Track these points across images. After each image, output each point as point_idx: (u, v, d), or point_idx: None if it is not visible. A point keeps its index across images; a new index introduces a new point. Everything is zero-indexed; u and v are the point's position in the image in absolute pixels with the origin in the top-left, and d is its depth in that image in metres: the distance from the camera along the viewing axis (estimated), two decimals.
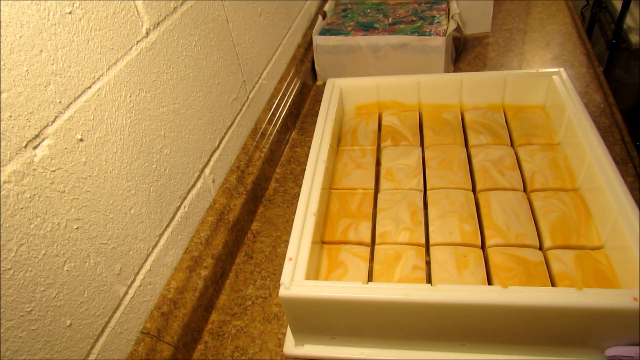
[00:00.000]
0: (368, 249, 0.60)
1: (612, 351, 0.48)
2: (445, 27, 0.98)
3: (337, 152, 0.75)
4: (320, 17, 1.05)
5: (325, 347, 0.56)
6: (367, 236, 0.62)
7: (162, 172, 0.58)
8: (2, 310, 0.38)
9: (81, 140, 0.45)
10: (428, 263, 0.58)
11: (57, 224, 0.43)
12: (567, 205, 0.62)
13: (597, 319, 0.46)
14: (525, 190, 0.65)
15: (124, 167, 0.51)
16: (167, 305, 0.58)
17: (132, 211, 0.53)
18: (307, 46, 1.05)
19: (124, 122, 0.51)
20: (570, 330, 0.48)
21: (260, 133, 0.83)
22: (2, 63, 0.37)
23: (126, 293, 0.53)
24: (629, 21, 1.62)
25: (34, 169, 0.40)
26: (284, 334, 0.60)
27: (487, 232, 0.60)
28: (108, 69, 0.48)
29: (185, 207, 0.64)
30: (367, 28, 1.03)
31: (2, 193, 0.38)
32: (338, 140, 0.78)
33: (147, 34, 0.54)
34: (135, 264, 0.54)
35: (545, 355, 0.52)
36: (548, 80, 0.75)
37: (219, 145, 0.72)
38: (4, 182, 0.38)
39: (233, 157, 0.77)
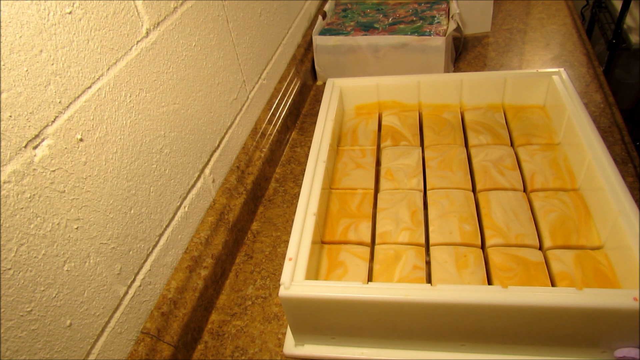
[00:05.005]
0: (368, 249, 0.60)
1: (621, 352, 0.48)
2: (445, 27, 0.98)
3: (337, 152, 0.75)
4: (320, 17, 1.05)
5: (325, 347, 0.56)
6: (367, 236, 0.62)
7: (162, 172, 0.58)
8: (2, 310, 0.38)
9: (81, 140, 0.45)
10: (428, 263, 0.58)
11: (57, 224, 0.43)
12: (567, 205, 0.62)
13: (597, 319, 0.46)
14: (525, 190, 0.65)
15: (124, 167, 0.51)
16: (167, 305, 0.58)
17: (132, 211, 0.53)
18: (307, 46, 1.05)
19: (124, 122, 0.51)
20: (570, 330, 0.48)
21: (260, 133, 0.83)
22: (2, 63, 0.37)
23: (126, 293, 0.53)
24: (629, 21, 1.62)
25: (34, 169, 0.40)
26: (284, 334, 0.60)
27: (487, 232, 0.60)
28: (108, 69, 0.48)
29: (185, 207, 0.64)
30: (367, 28, 1.03)
31: (2, 193, 0.38)
32: (338, 140, 0.78)
33: (147, 34, 0.54)
34: (135, 264, 0.54)
35: (545, 356, 0.52)
36: (548, 80, 0.75)
37: (219, 145, 0.72)
38: (4, 182, 0.38)
39: (233, 157, 0.77)
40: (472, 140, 0.74)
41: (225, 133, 0.74)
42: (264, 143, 0.83)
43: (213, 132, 0.70)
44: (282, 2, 0.92)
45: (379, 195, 0.67)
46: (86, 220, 0.46)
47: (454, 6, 1.01)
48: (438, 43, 0.93)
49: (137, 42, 0.52)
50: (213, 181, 0.71)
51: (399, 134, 0.77)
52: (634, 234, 0.51)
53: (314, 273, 0.57)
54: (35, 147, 0.40)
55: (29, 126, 0.40)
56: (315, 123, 0.72)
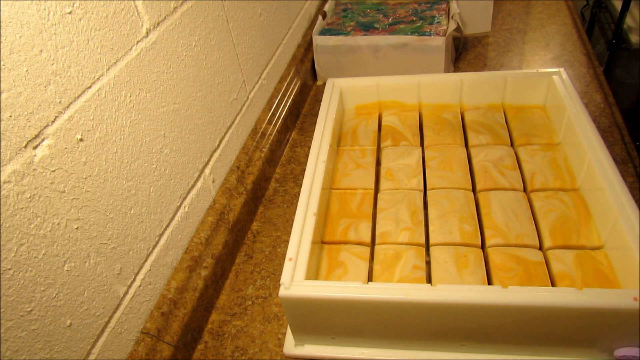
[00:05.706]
0: (368, 249, 0.60)
1: (621, 352, 0.48)
2: (445, 27, 0.98)
3: (337, 152, 0.75)
4: (320, 17, 1.05)
5: (325, 347, 0.56)
6: (367, 236, 0.62)
7: (162, 172, 0.58)
8: (2, 310, 0.38)
9: (81, 140, 0.45)
10: (428, 263, 0.58)
11: (57, 224, 0.43)
12: (567, 205, 0.62)
13: (597, 319, 0.46)
14: (525, 190, 0.65)
15: (124, 167, 0.51)
16: (167, 305, 0.58)
17: (132, 211, 0.53)
18: (307, 46, 1.05)
19: (124, 122, 0.51)
20: (570, 330, 0.48)
21: (260, 133, 0.83)
22: (2, 63, 0.37)
23: (126, 293, 0.53)
24: (629, 21, 1.62)
25: (34, 169, 0.40)
26: (284, 334, 0.60)
27: (487, 232, 0.60)
28: (108, 69, 0.48)
29: (185, 207, 0.64)
30: (367, 28, 1.03)
31: (2, 193, 0.38)
32: (338, 140, 0.78)
33: (147, 34, 0.54)
34: (135, 264, 0.54)
35: (545, 355, 0.52)
36: (548, 80, 0.75)
37: (219, 145, 0.72)
38: (4, 182, 0.38)
39: (233, 157, 0.77)
40: (472, 140, 0.74)
41: (225, 133, 0.74)
42: (264, 143, 0.83)
43: (213, 132, 0.70)
44: (282, 2, 0.92)
45: (379, 195, 0.68)
46: (86, 220, 0.46)
47: (454, 6, 1.01)
48: (438, 43, 0.93)
49: (137, 42, 0.52)
50: (213, 181, 0.71)
51: (399, 134, 0.77)
52: (634, 234, 0.51)
53: (314, 273, 0.57)
54: (35, 147, 0.40)
55: (29, 126, 0.40)
56: (315, 123, 0.72)
